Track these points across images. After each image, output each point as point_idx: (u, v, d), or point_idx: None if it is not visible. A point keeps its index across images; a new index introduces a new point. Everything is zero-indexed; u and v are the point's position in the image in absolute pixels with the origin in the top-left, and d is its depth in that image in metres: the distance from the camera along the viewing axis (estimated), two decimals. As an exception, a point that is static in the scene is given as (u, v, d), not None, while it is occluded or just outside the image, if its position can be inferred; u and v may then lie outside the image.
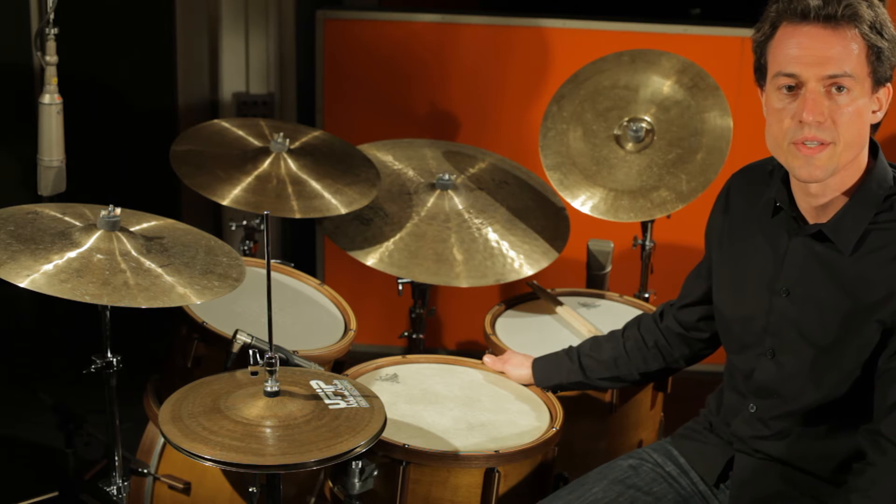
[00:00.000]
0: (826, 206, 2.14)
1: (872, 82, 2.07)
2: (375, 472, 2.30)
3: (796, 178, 2.14)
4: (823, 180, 2.09)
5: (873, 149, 2.16)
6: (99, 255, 2.33)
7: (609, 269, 3.40)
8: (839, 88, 2.05)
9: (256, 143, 3.16)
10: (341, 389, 2.20)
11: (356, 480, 2.28)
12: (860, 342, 2.10)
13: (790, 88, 2.08)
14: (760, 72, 2.16)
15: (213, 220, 4.38)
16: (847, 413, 2.15)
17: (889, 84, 2.11)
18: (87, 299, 2.22)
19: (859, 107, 2.06)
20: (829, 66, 2.04)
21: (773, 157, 2.17)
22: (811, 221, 2.16)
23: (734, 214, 2.32)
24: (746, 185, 2.32)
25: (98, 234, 2.38)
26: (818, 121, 2.04)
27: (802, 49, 2.05)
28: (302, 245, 4.48)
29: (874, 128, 2.13)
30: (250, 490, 2.56)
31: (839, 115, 2.05)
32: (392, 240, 3.09)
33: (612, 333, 2.61)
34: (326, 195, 3.03)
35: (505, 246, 3.11)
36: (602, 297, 3.16)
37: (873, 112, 2.11)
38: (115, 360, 2.52)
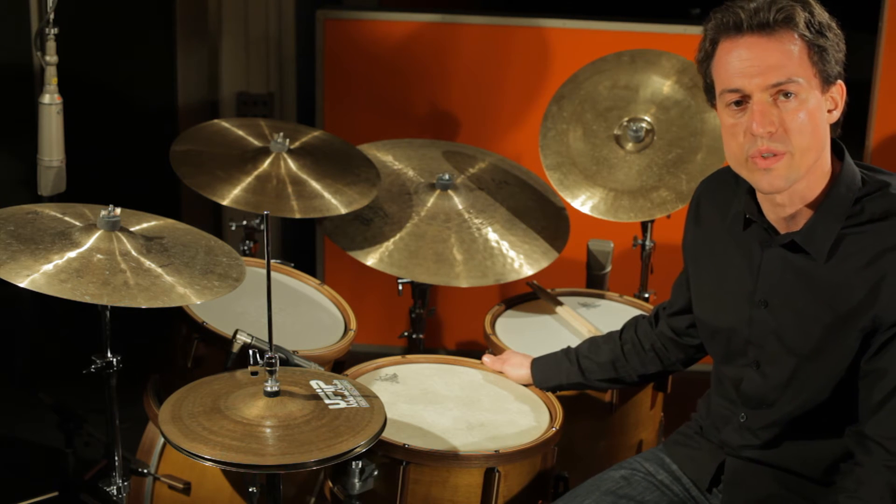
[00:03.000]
0: (795, 215, 2.11)
1: (821, 81, 2.04)
2: (375, 472, 2.30)
3: (759, 191, 2.12)
4: (786, 189, 2.06)
5: (839, 151, 2.13)
6: (99, 255, 2.33)
7: (609, 269, 3.40)
8: (786, 95, 2.02)
9: (256, 143, 3.16)
10: (341, 389, 2.20)
11: (356, 480, 2.28)
12: (842, 349, 2.09)
13: (738, 103, 2.05)
14: (710, 92, 2.14)
15: (213, 220, 4.38)
16: (834, 416, 2.15)
17: (841, 80, 2.08)
18: (87, 299, 2.22)
19: (810, 110, 2.03)
20: (771, 74, 2.01)
21: None
22: (782, 231, 2.14)
23: (706, 226, 2.30)
24: (715, 193, 2.30)
25: (98, 234, 2.38)
26: (769, 131, 2.02)
27: (742, 62, 2.03)
28: (302, 245, 4.48)
29: (834, 127, 2.10)
30: (250, 490, 2.56)
31: (790, 122, 2.02)
32: (392, 240, 3.09)
33: (610, 335, 2.60)
34: (326, 195, 3.03)
35: (505, 246, 3.11)
36: (602, 297, 3.16)
37: (829, 111, 2.08)
38: (115, 360, 2.52)
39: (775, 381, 2.18)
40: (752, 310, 2.19)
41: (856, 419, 2.13)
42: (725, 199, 2.26)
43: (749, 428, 2.24)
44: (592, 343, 2.60)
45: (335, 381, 2.24)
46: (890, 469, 2.05)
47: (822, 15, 2.05)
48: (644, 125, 3.25)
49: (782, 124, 2.02)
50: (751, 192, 2.18)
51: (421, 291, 3.31)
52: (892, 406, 2.06)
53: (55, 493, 3.17)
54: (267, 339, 2.15)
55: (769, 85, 2.02)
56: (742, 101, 2.05)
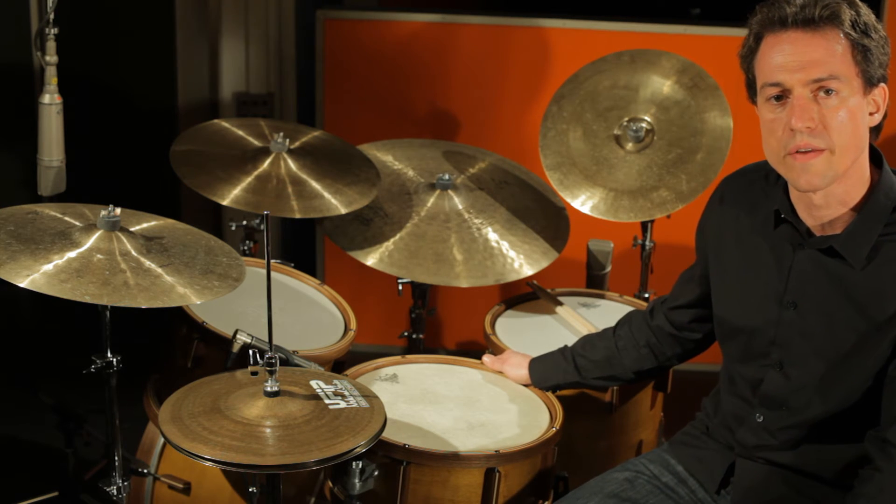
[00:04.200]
0: (833, 221, 2.10)
1: (863, 82, 2.03)
2: (376, 472, 2.30)
3: (796, 189, 2.10)
4: (823, 188, 2.05)
5: (877, 159, 2.12)
6: (99, 255, 2.33)
7: (609, 269, 3.40)
8: (827, 92, 2.01)
9: (256, 143, 3.16)
10: (341, 389, 2.20)
11: (356, 480, 2.28)
12: (874, 355, 2.08)
13: (778, 98, 2.05)
14: (751, 87, 2.13)
15: (213, 220, 4.38)
16: (855, 419, 2.14)
17: (885, 84, 2.07)
18: (87, 299, 2.22)
19: (851, 108, 2.02)
20: (813, 70, 2.01)
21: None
22: (817, 234, 2.13)
23: (732, 223, 2.28)
24: (741, 191, 2.28)
25: (98, 234, 2.38)
26: (809, 127, 2.01)
27: (785, 56, 2.03)
28: (302, 245, 4.48)
29: (875, 131, 2.09)
30: (250, 490, 2.56)
31: (830, 119, 2.01)
32: (392, 240, 3.09)
33: (605, 332, 2.59)
34: (326, 195, 3.03)
35: (505, 246, 3.11)
36: (602, 297, 3.16)
37: (871, 114, 2.06)
38: (115, 360, 2.52)
39: (799, 384, 2.16)
40: (780, 310, 2.17)
41: (877, 422, 2.11)
42: (754, 197, 2.24)
43: (767, 429, 2.22)
44: (587, 341, 2.59)
45: (335, 381, 2.24)
46: None
47: (868, 16, 2.04)
48: (644, 125, 3.25)
49: (822, 121, 2.01)
50: (786, 191, 2.16)
51: (421, 291, 3.32)
52: None
53: (55, 493, 3.17)
54: (267, 339, 2.15)
55: (810, 80, 2.01)
56: (782, 95, 2.04)
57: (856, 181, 2.08)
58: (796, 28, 2.02)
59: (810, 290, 2.13)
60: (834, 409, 2.14)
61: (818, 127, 2.01)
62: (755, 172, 2.27)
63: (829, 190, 2.07)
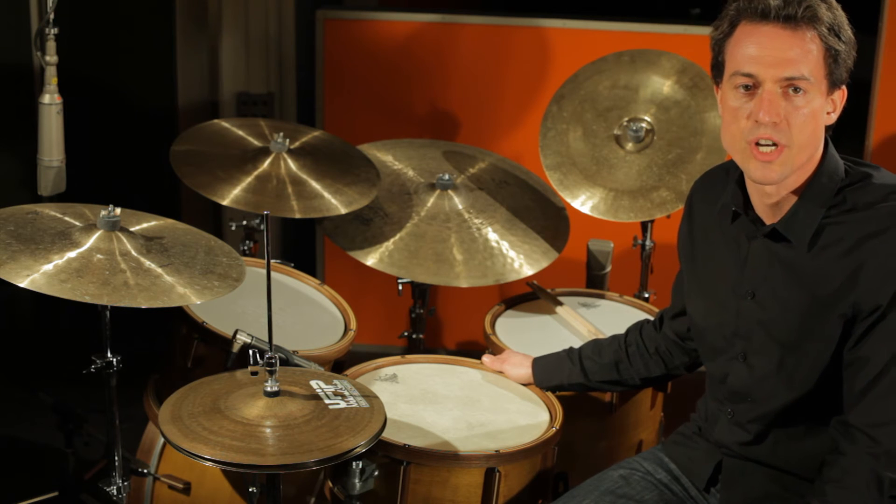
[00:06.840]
0: (780, 203, 2.14)
1: (828, 84, 2.07)
2: (376, 473, 2.30)
3: (751, 180, 2.14)
4: (778, 182, 2.09)
5: (824, 142, 2.16)
6: (99, 255, 2.33)
7: (609, 269, 3.40)
8: (796, 90, 2.04)
9: (256, 143, 3.16)
10: (341, 389, 2.20)
11: (356, 480, 2.28)
12: (824, 338, 2.10)
13: (747, 88, 2.07)
14: (717, 69, 2.15)
15: (213, 220, 4.39)
16: (822, 412, 2.16)
17: (844, 86, 2.11)
18: (87, 299, 2.22)
19: (814, 109, 2.06)
20: (788, 67, 2.03)
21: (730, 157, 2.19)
22: (767, 222, 2.17)
23: (697, 223, 2.32)
24: (707, 190, 2.32)
25: (98, 234, 2.38)
26: (774, 121, 2.04)
27: (761, 49, 2.05)
28: (302, 245, 4.49)
29: (828, 129, 2.13)
30: (250, 490, 2.56)
31: (794, 116, 2.05)
32: (392, 240, 3.09)
33: (615, 337, 2.60)
34: (326, 195, 3.03)
35: (505, 246, 3.11)
36: (602, 297, 3.16)
37: (828, 113, 2.11)
38: (115, 360, 2.52)
39: (761, 373, 2.19)
40: (739, 301, 2.20)
41: (842, 412, 2.13)
42: (716, 194, 2.28)
43: (738, 423, 2.24)
44: (596, 344, 2.60)
45: (335, 381, 2.24)
46: (873, 457, 2.06)
47: (843, 20, 2.08)
48: (644, 125, 3.25)
49: (787, 117, 2.05)
50: (739, 183, 2.20)
51: (421, 291, 3.31)
52: (875, 394, 2.07)
53: (55, 493, 3.17)
54: (267, 339, 2.15)
55: (783, 77, 2.04)
56: (752, 86, 2.07)
57: (806, 169, 2.12)
58: (776, 23, 2.05)
59: (765, 278, 2.17)
60: (796, 397, 2.16)
61: (782, 122, 2.05)
62: (717, 170, 2.31)
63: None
